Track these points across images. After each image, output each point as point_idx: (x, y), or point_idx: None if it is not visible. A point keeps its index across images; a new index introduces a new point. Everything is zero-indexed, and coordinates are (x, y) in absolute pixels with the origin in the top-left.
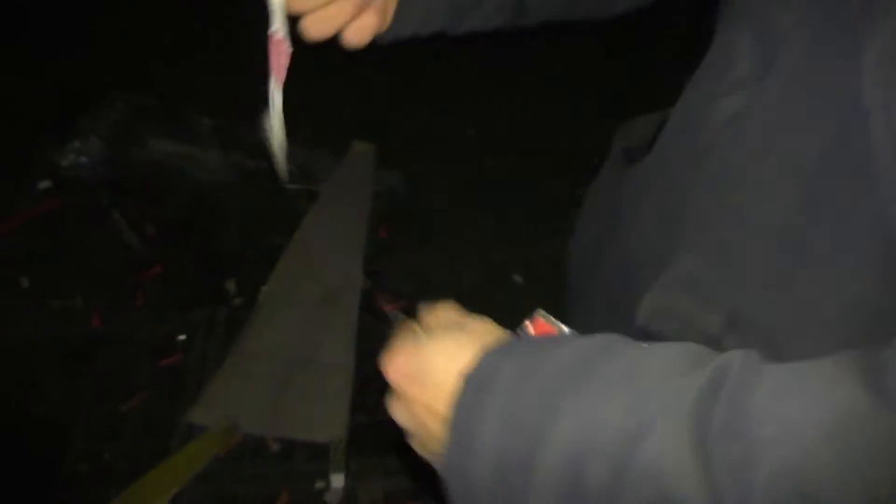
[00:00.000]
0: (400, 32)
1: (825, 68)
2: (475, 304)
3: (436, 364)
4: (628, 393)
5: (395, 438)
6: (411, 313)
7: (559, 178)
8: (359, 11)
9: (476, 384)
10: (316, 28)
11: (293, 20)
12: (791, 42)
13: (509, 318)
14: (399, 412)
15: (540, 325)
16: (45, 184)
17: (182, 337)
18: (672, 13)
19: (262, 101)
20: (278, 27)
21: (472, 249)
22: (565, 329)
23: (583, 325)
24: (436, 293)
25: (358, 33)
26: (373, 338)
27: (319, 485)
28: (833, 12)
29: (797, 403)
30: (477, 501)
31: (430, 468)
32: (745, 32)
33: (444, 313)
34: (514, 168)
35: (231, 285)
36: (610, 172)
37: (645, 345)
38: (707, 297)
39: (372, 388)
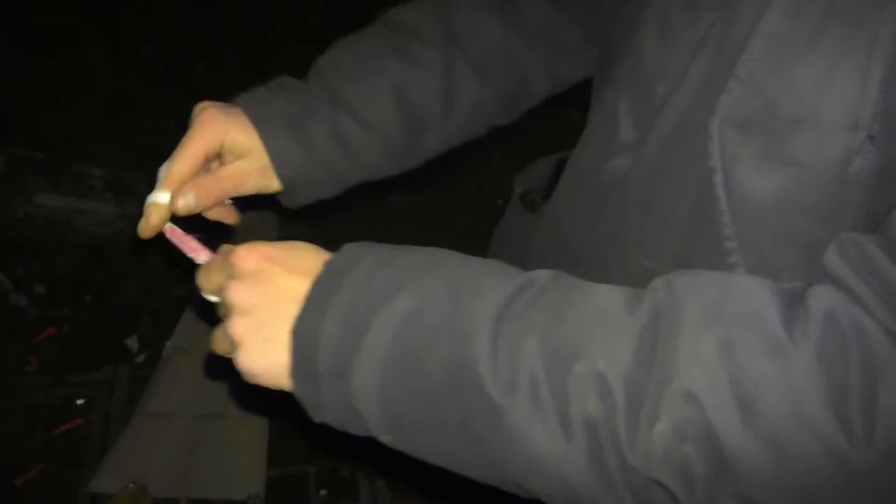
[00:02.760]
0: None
1: (689, 134)
2: None
3: (304, 251)
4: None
5: None
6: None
7: (464, 212)
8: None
9: (335, 267)
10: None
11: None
12: (665, 110)
13: None
14: (241, 292)
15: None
16: None
17: (81, 401)
18: None
19: (154, 150)
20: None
21: None
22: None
23: None
24: None
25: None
26: None
27: None
28: (697, 88)
29: None
30: (317, 369)
31: None
32: (623, 100)
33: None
34: (422, 203)
35: (132, 342)
36: (512, 217)
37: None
38: None
39: (286, 439)
